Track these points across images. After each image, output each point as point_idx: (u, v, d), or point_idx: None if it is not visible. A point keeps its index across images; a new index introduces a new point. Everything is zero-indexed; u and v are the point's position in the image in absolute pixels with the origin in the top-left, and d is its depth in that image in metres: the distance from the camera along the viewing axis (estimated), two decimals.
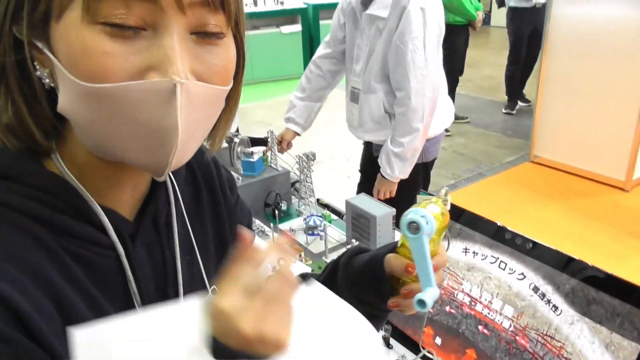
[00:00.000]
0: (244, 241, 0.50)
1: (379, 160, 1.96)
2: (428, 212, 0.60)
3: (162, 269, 0.60)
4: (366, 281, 0.68)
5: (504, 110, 5.68)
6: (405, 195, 1.95)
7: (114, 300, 0.54)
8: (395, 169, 1.90)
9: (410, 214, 0.59)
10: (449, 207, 0.67)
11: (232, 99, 0.57)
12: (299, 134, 2.17)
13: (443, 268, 0.67)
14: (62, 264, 0.50)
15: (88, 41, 0.43)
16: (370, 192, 1.58)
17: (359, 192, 2.17)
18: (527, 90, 5.72)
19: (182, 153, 0.49)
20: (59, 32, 0.44)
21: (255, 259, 0.49)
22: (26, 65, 0.47)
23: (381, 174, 1.95)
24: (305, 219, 1.61)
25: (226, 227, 0.71)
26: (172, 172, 0.60)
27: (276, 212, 1.66)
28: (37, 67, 0.47)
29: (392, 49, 1.81)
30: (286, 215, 1.77)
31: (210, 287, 0.66)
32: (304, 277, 0.79)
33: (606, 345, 0.83)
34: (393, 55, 1.81)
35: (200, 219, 0.67)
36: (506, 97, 5.75)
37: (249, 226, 0.78)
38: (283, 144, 2.10)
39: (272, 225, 1.58)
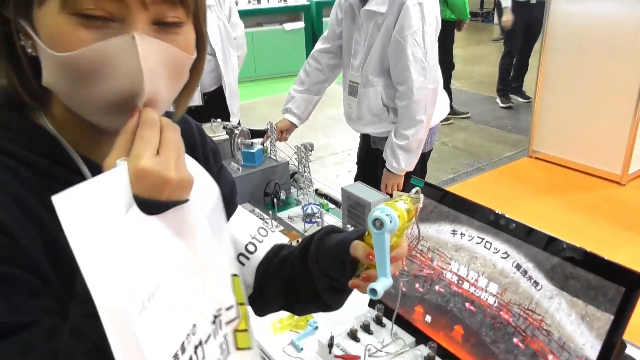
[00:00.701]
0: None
1: (383, 154, 2.01)
2: (393, 210, 0.65)
3: None
4: (333, 260, 0.75)
5: (501, 105, 5.73)
6: (403, 186, 2.01)
7: None
8: (402, 162, 1.95)
9: (377, 211, 0.65)
10: (420, 206, 0.72)
11: (194, 72, 0.63)
12: (296, 125, 2.22)
13: (402, 258, 0.73)
14: (39, 194, 0.55)
15: (65, 28, 0.51)
16: (366, 182, 1.63)
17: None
18: (526, 87, 5.76)
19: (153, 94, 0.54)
20: (40, 16, 0.52)
21: (151, 121, 0.53)
22: (12, 38, 0.55)
23: (387, 168, 2.00)
24: (303, 207, 1.67)
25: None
26: None
27: (275, 201, 1.72)
28: (22, 38, 0.55)
29: (392, 44, 1.86)
30: (285, 205, 1.83)
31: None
32: (281, 247, 0.86)
33: (582, 317, 0.88)
34: (393, 50, 1.86)
35: None
36: (499, 91, 5.79)
37: (232, 195, 0.82)
38: (278, 134, 2.15)
39: (271, 213, 1.63)
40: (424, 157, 2.19)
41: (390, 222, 0.64)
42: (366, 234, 0.72)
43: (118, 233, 0.48)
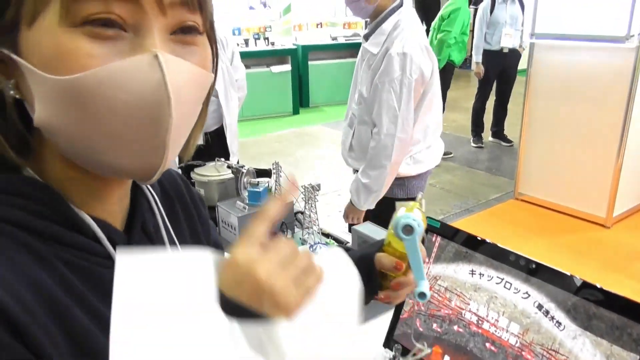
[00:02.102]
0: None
1: (350, 187, 2.07)
2: (417, 215, 0.69)
3: None
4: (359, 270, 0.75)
5: (473, 145, 5.95)
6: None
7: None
8: (361, 199, 2.02)
9: (404, 219, 0.68)
10: (424, 209, 0.76)
11: (205, 100, 0.56)
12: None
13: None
14: (55, 271, 0.48)
15: (68, 44, 0.42)
16: (374, 218, 1.66)
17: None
18: (509, 131, 5.94)
19: (175, 142, 0.46)
20: (31, 38, 0.43)
21: (268, 216, 0.50)
22: None
23: (350, 200, 2.06)
24: (311, 247, 1.68)
25: (203, 243, 0.74)
26: (149, 185, 0.63)
27: None
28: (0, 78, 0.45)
29: (372, 86, 1.94)
30: None
31: None
32: None
33: (607, 357, 0.90)
34: (372, 93, 1.94)
35: (180, 232, 0.68)
36: (472, 132, 6.02)
37: (217, 240, 0.80)
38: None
39: None
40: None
41: (419, 226, 0.67)
42: (386, 244, 0.75)
43: (170, 320, 0.41)
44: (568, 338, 0.96)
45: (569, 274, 0.99)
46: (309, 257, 0.50)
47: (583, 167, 4.02)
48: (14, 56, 0.44)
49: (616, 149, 3.80)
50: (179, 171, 2.14)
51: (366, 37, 2.00)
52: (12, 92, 0.45)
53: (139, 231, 0.60)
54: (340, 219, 2.23)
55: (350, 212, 2.11)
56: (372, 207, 2.06)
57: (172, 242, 0.65)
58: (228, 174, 1.98)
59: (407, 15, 1.92)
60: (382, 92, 1.88)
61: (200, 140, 2.38)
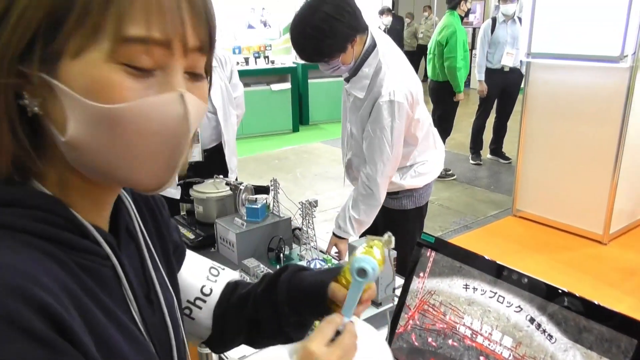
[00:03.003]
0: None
1: (336, 219, 2.12)
2: (375, 261, 0.73)
3: (142, 276, 0.67)
4: (309, 302, 0.81)
5: (472, 162, 6.00)
6: (406, 239, 2.09)
7: (117, 304, 0.59)
8: (349, 230, 2.08)
9: (363, 263, 0.72)
10: (392, 246, 0.81)
11: None
12: None
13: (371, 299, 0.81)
14: (75, 275, 0.53)
15: (112, 78, 0.49)
16: (370, 233, 1.68)
17: None
18: (507, 149, 5.98)
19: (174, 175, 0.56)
20: (76, 68, 0.49)
21: (336, 322, 0.69)
22: (8, 99, 0.50)
23: (336, 233, 2.11)
24: (308, 262, 1.70)
25: (168, 244, 0.78)
26: (124, 191, 0.70)
27: (281, 256, 1.74)
28: (26, 96, 0.50)
29: (365, 132, 2.00)
30: (288, 260, 1.85)
31: (174, 296, 0.74)
32: (236, 285, 0.91)
33: None
34: (366, 137, 2.01)
35: (149, 232, 0.73)
36: (471, 149, 6.08)
37: (177, 240, 0.84)
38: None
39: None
40: (422, 211, 2.28)
41: (373, 271, 0.71)
42: (341, 274, 0.78)
43: None
44: (559, 351, 0.98)
45: (559, 287, 1.01)
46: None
47: (580, 184, 4.06)
48: (55, 81, 0.49)
49: (612, 166, 3.84)
50: (179, 188, 2.17)
51: (347, 80, 2.04)
52: (36, 108, 0.51)
53: (124, 233, 0.66)
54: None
55: (337, 244, 2.11)
56: (357, 237, 2.11)
57: (145, 242, 0.70)
58: (226, 191, 2.01)
59: (386, 54, 1.95)
60: (374, 138, 1.95)
61: (199, 157, 2.42)
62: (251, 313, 0.86)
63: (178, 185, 2.17)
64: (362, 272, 0.71)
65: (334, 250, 2.10)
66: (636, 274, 3.54)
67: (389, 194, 2.13)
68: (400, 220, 2.22)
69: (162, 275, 0.72)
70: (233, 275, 0.96)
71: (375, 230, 2.19)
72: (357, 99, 2.01)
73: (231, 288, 0.90)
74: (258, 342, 0.91)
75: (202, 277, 0.89)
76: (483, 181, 5.53)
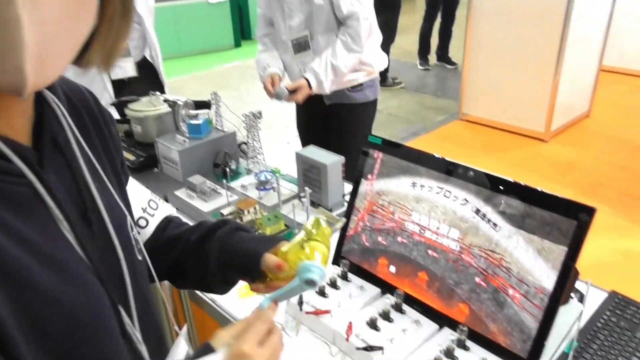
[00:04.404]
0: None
1: (314, 66, 2.03)
2: (321, 267, 0.72)
3: (77, 193, 0.59)
4: (241, 266, 0.80)
5: (420, 67, 6.00)
6: (359, 132, 2.19)
7: (38, 228, 0.52)
8: (326, 82, 2.03)
9: (315, 275, 0.71)
10: (339, 226, 0.81)
11: (103, 16, 0.54)
12: (281, 77, 2.20)
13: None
14: None
15: None
16: (315, 143, 1.63)
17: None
18: (453, 54, 5.96)
19: (43, 61, 0.44)
20: None
21: (268, 321, 0.67)
22: None
23: (308, 80, 2.04)
24: (256, 175, 1.66)
25: (117, 162, 0.71)
26: (54, 96, 0.59)
27: (227, 170, 1.69)
28: None
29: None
30: (236, 174, 1.81)
31: (127, 215, 0.67)
32: (168, 222, 0.89)
33: (538, 252, 0.95)
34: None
35: (93, 146, 0.65)
36: (418, 54, 6.06)
37: (124, 164, 0.77)
38: (275, 86, 2.12)
39: (225, 183, 1.61)
40: (374, 105, 2.31)
41: (321, 278, 0.72)
42: (285, 249, 0.78)
43: None
44: (504, 238, 1.00)
45: (502, 177, 1.02)
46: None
47: (523, 85, 4.12)
48: None
49: (554, 65, 3.90)
50: (113, 109, 2.04)
51: None
52: None
53: (49, 145, 0.56)
54: (289, 151, 2.23)
55: (303, 91, 2.04)
56: (327, 92, 2.08)
57: (84, 156, 0.62)
58: (164, 108, 1.90)
59: None
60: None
61: (132, 72, 2.26)
62: (178, 257, 0.84)
63: (112, 104, 2.03)
64: (312, 283, 0.71)
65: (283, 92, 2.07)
66: (575, 168, 3.72)
67: (352, 89, 2.18)
68: (364, 114, 2.28)
69: (111, 192, 0.65)
70: (170, 210, 0.92)
71: (339, 132, 2.20)
72: None
73: (163, 226, 0.87)
74: (179, 284, 0.90)
75: (140, 208, 0.85)
76: (430, 88, 5.54)
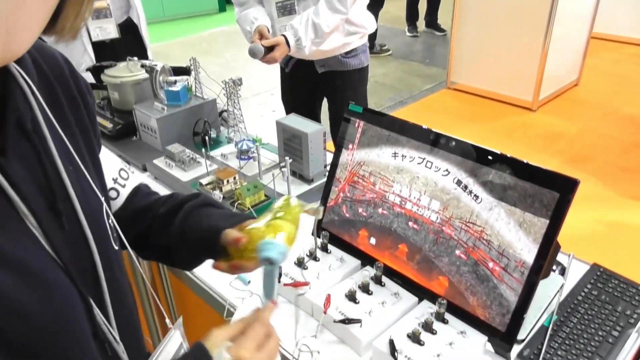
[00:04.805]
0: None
1: (293, 22, 1.92)
2: (285, 245, 0.69)
3: (45, 182, 0.53)
4: (202, 242, 0.78)
5: (408, 34, 5.91)
6: (356, 101, 2.02)
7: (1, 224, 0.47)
8: (306, 41, 1.91)
9: (272, 253, 0.68)
10: (320, 216, 0.79)
11: None
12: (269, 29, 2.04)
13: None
14: None
15: None
16: (300, 112, 1.58)
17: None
18: (442, 20, 5.86)
19: (11, 32, 0.41)
20: None
21: (264, 321, 0.66)
22: None
23: (287, 40, 1.91)
24: (236, 144, 1.62)
25: (91, 134, 0.66)
26: (22, 70, 0.53)
27: (207, 139, 1.65)
28: None
29: None
30: (216, 143, 1.76)
31: (103, 199, 0.62)
32: (135, 192, 0.86)
33: (520, 224, 0.93)
34: None
35: (66, 124, 0.60)
36: (407, 21, 5.96)
37: (98, 135, 0.71)
38: (264, 40, 1.94)
39: (204, 152, 1.56)
40: (367, 71, 2.24)
41: (282, 255, 0.69)
42: (247, 229, 0.74)
43: None
44: (484, 210, 0.98)
45: (485, 147, 0.99)
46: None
47: (512, 54, 4.07)
48: None
49: (543, 34, 3.85)
50: (89, 74, 1.97)
51: None
52: None
53: (13, 129, 0.50)
54: (273, 119, 2.14)
55: (281, 52, 1.91)
56: (306, 53, 1.96)
57: (56, 137, 0.56)
58: (142, 74, 1.83)
59: None
60: None
61: (115, 34, 2.17)
62: (145, 228, 0.82)
63: (88, 70, 1.96)
64: (269, 262, 0.69)
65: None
66: (561, 138, 3.71)
67: (347, 54, 2.10)
68: (360, 80, 2.21)
69: (85, 176, 0.60)
70: (141, 179, 0.89)
71: (334, 101, 2.15)
72: None
73: (132, 195, 0.84)
74: (144, 255, 0.88)
75: (110, 179, 0.80)
76: (418, 55, 5.46)
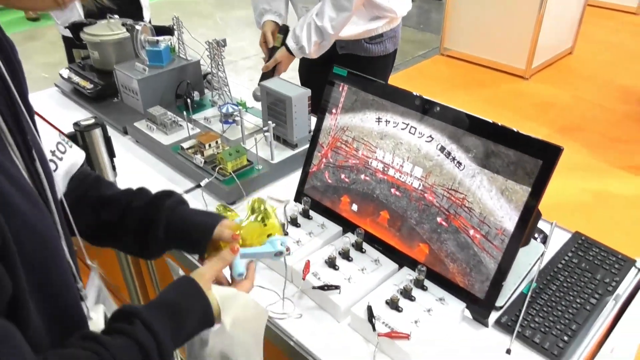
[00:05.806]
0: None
1: (296, 29, 1.79)
2: (285, 238, 0.84)
3: (15, 123, 0.57)
4: (191, 237, 0.82)
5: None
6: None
7: (4, 157, 0.53)
8: (310, 46, 1.76)
9: (284, 247, 0.82)
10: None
11: None
12: (279, 24, 1.92)
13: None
14: None
15: None
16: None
17: None
18: None
19: None
20: None
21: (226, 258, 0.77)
22: None
23: (288, 47, 1.79)
24: (219, 108, 1.58)
25: (25, 90, 0.65)
26: None
27: (188, 102, 1.61)
28: None
29: None
30: (200, 107, 1.72)
31: (49, 154, 0.66)
32: (99, 178, 0.87)
33: (502, 192, 0.92)
34: None
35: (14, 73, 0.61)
36: None
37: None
38: (267, 42, 1.86)
39: (185, 115, 1.53)
40: (393, 58, 2.05)
41: (283, 246, 0.82)
42: (235, 223, 0.83)
43: None
44: (467, 177, 0.96)
45: (468, 113, 0.97)
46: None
47: (507, 21, 4.00)
48: None
49: (538, 2, 3.77)
50: (67, 32, 1.89)
51: None
52: None
53: None
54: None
55: (285, 60, 1.81)
56: (314, 57, 1.81)
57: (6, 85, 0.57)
58: (123, 33, 1.77)
59: None
60: None
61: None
62: (110, 217, 0.82)
63: (66, 27, 1.89)
64: (279, 254, 0.82)
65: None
66: (553, 107, 3.68)
67: (371, 40, 1.90)
68: (380, 68, 2.01)
69: (27, 120, 0.61)
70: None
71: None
72: None
73: (80, 177, 0.84)
74: (98, 243, 0.86)
75: (48, 151, 0.78)
76: (412, 20, 5.35)
